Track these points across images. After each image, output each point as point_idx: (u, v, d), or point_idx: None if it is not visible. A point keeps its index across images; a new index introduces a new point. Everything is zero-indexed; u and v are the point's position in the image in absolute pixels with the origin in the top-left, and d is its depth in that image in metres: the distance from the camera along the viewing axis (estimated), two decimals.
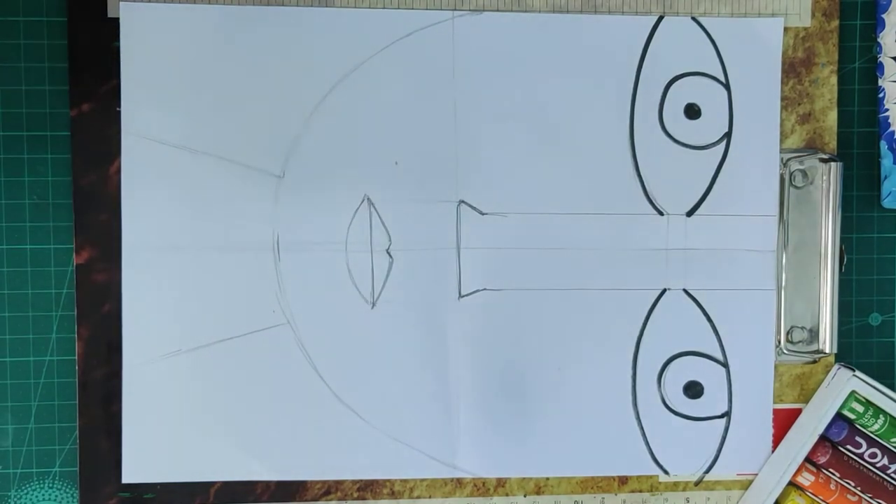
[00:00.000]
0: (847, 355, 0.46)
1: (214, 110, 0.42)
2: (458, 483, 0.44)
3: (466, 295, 0.44)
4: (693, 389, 0.45)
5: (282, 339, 0.43)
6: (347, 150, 0.43)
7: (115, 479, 0.43)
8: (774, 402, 0.45)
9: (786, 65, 0.45)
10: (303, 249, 0.43)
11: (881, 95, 0.45)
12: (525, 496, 0.45)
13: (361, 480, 0.44)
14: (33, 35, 0.42)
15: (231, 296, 0.43)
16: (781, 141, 0.45)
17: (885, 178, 0.45)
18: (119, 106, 0.42)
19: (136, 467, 0.43)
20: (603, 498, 0.45)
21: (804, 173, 0.45)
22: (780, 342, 0.45)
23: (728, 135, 0.45)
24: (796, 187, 0.45)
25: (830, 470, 0.45)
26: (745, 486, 0.46)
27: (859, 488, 0.45)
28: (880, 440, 0.45)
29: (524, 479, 0.45)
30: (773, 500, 0.45)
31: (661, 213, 0.44)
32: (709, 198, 0.44)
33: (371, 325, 0.43)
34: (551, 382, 0.44)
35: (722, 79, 0.44)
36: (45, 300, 0.43)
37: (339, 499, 0.44)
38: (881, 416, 0.44)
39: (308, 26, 0.43)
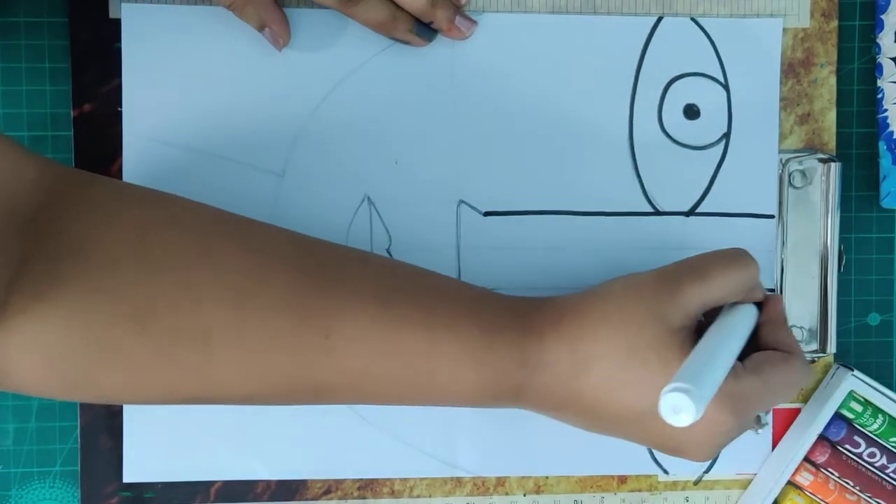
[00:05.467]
0: (846, 355, 0.46)
1: (215, 110, 0.42)
2: (458, 482, 0.44)
3: None
4: None
5: None
6: (348, 150, 0.43)
7: (116, 478, 0.43)
8: None
9: (785, 65, 0.45)
10: None
11: (880, 96, 0.45)
12: (525, 495, 0.45)
13: (362, 480, 0.44)
14: (34, 35, 0.42)
15: None
16: (780, 141, 0.45)
17: (884, 178, 0.45)
18: (120, 106, 0.42)
19: (138, 466, 0.43)
20: (602, 497, 0.45)
21: (803, 174, 0.45)
22: None
23: (727, 135, 0.45)
24: (795, 187, 0.45)
25: (829, 469, 0.45)
26: (745, 485, 0.46)
27: (858, 488, 0.45)
28: (879, 440, 0.45)
29: (524, 478, 0.45)
30: (772, 499, 0.45)
31: (659, 213, 0.44)
32: (708, 198, 0.45)
33: None
34: None
35: (721, 79, 0.44)
36: None
37: (340, 498, 0.44)
38: (880, 415, 0.44)
39: (308, 26, 0.43)
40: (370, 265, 0.37)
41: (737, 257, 0.37)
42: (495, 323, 0.36)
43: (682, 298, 0.36)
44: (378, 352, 0.35)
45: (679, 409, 0.29)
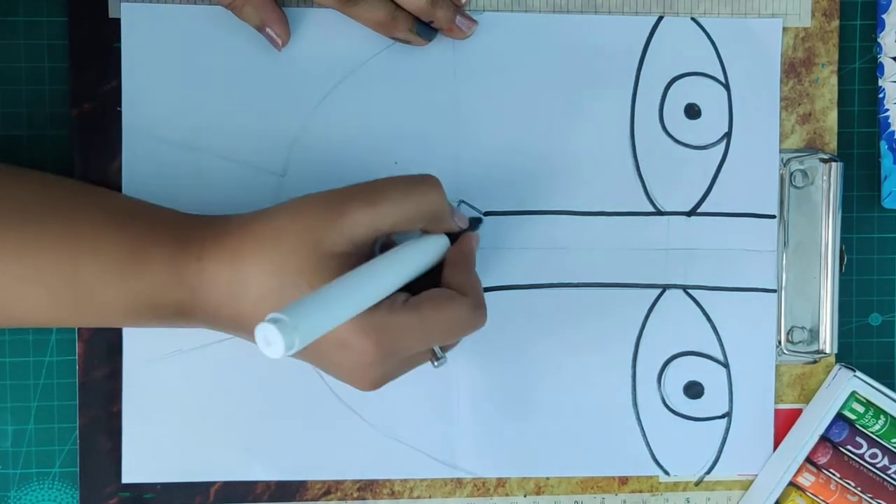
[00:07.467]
0: (847, 355, 0.46)
1: (215, 110, 0.42)
2: (458, 483, 0.44)
3: None
4: (693, 389, 0.45)
5: None
6: (348, 150, 0.43)
7: (115, 479, 0.43)
8: (775, 403, 0.45)
9: (786, 65, 0.45)
10: None
11: (881, 96, 0.45)
12: (525, 496, 0.45)
13: (361, 480, 0.44)
14: (34, 35, 0.42)
15: None
16: (782, 141, 0.45)
17: (885, 178, 0.45)
18: (120, 106, 0.42)
19: (137, 467, 0.43)
20: (603, 498, 0.45)
21: (804, 173, 0.45)
22: (780, 342, 0.45)
23: (728, 135, 0.45)
24: (796, 187, 0.45)
25: (831, 470, 0.45)
26: (746, 486, 0.46)
27: (859, 489, 0.45)
28: (881, 440, 0.45)
29: (524, 478, 0.45)
30: (774, 500, 0.45)
31: (661, 213, 0.44)
32: (709, 198, 0.44)
33: None
34: (551, 382, 0.44)
35: (721, 79, 0.44)
36: None
37: (339, 498, 0.44)
38: (881, 416, 0.44)
39: (308, 26, 0.43)
40: (22, 181, 0.36)
41: (416, 182, 0.36)
42: (148, 238, 0.35)
43: (344, 222, 0.34)
44: (20, 275, 0.34)
45: (270, 340, 0.27)
